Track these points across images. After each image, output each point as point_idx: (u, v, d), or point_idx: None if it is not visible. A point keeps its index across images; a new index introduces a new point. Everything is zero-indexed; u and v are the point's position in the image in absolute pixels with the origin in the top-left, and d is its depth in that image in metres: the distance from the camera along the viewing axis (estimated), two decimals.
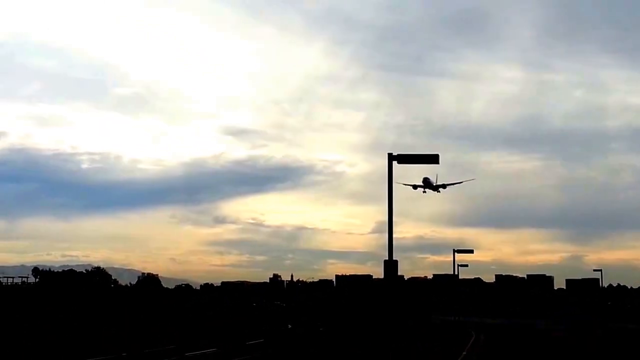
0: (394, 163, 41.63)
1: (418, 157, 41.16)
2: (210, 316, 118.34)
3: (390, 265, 41.45)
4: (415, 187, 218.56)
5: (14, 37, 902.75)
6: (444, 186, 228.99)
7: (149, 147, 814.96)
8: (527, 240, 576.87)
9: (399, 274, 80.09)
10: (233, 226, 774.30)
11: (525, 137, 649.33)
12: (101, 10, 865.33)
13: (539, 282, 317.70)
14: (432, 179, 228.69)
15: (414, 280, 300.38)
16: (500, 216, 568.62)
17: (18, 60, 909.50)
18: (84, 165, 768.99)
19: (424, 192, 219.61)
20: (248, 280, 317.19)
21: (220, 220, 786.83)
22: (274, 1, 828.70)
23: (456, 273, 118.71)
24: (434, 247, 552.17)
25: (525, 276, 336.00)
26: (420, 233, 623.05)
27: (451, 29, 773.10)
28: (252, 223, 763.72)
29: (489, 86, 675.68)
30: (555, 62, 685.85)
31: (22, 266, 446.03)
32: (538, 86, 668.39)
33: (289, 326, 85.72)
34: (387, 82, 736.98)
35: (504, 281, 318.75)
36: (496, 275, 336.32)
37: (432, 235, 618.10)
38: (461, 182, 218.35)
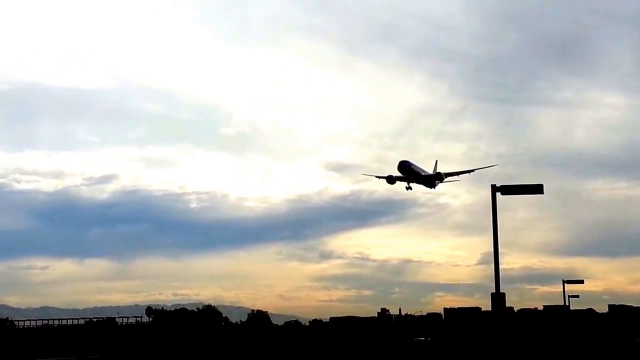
0: (498, 194, 41.70)
1: (521, 188, 41.14)
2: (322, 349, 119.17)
3: (498, 298, 41.29)
4: (391, 180, 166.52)
5: (123, 83, 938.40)
6: (439, 177, 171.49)
7: (254, 185, 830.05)
8: (639, 268, 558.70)
9: (508, 305, 79.19)
10: (339, 261, 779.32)
11: (631, 163, 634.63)
12: (204, 53, 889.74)
13: None
14: (421, 167, 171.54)
15: (523, 312, 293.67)
16: (610, 244, 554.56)
17: (127, 105, 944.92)
18: (193, 205, 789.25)
19: (408, 188, 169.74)
20: (356, 315, 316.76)
21: (326, 256, 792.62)
22: (371, 38, 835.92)
23: (567, 304, 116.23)
24: (543, 277, 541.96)
25: None
26: (528, 263, 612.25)
27: (550, 57, 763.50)
28: (357, 257, 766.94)
29: (591, 113, 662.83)
30: None
31: (136, 306, 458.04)
32: None
33: None
34: (488, 113, 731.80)
35: (618, 311, 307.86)
36: (609, 306, 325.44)
37: (539, 265, 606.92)
38: (472, 170, 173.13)
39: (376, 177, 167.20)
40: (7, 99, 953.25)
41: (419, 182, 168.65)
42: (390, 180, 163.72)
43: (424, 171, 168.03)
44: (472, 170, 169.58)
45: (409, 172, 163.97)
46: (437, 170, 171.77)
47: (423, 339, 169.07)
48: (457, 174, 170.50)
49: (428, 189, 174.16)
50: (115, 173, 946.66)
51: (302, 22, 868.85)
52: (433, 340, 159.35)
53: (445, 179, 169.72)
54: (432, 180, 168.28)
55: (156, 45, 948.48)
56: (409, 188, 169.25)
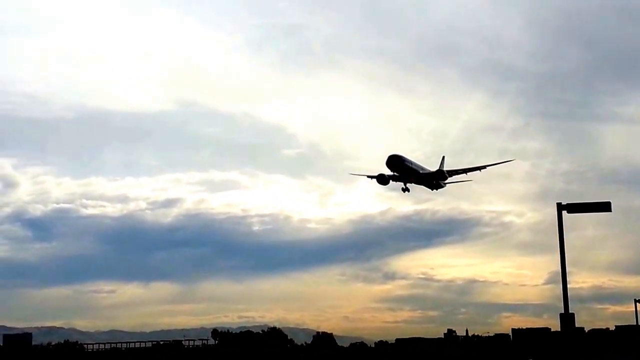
0: (564, 212, 40.66)
1: (588, 206, 40.06)
2: None
3: (567, 318, 40.22)
4: (383, 180, 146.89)
5: (185, 107, 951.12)
6: (441, 175, 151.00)
7: (317, 207, 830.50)
8: None
9: (578, 326, 77.30)
10: (403, 282, 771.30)
11: None
12: (265, 75, 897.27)
13: None
14: (419, 164, 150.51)
15: (595, 332, 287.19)
16: None
17: (189, 129, 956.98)
18: (255, 227, 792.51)
19: (405, 190, 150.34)
20: (422, 336, 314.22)
21: (390, 277, 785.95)
22: (430, 57, 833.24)
23: None
24: (613, 296, 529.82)
25: None
26: (598, 282, 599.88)
27: (613, 72, 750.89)
28: (422, 278, 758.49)
29: None
30: None
31: (202, 328, 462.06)
32: None
33: None
34: (551, 130, 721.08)
35: None
36: None
37: (610, 284, 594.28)
38: (484, 167, 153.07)
39: (367, 176, 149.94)
40: (72, 125, 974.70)
41: (418, 182, 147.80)
42: (382, 180, 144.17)
43: (422, 168, 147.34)
44: (484, 167, 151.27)
45: (402, 170, 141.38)
46: (443, 168, 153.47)
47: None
48: (465, 171, 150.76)
49: (430, 190, 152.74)
50: (179, 197, 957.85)
51: (361, 44, 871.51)
52: None
53: (451, 178, 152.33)
54: (432, 179, 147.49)
55: (217, 69, 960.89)
56: (405, 189, 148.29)
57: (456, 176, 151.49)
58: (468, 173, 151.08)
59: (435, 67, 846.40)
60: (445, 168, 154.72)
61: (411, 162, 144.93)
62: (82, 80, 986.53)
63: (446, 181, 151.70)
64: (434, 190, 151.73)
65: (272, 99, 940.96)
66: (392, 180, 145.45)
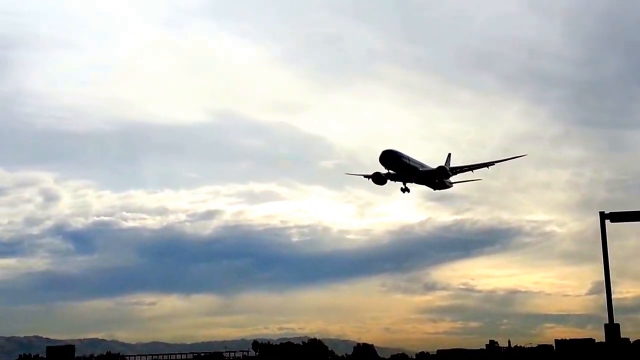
0: (607, 221, 39.97)
1: (632, 215, 39.30)
2: None
3: (612, 329, 39.52)
4: (379, 179, 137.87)
5: (223, 118, 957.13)
6: (443, 173, 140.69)
7: (355, 217, 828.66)
8: None
9: (623, 336, 76.09)
10: (444, 292, 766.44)
11: None
12: (301, 86, 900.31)
13: None
14: (418, 160, 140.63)
15: None
16: None
17: (228, 141, 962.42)
18: (294, 239, 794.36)
19: (405, 190, 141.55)
20: (463, 347, 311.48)
21: (430, 287, 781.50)
22: (468, 66, 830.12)
23: None
24: None
25: None
26: None
27: None
28: (463, 289, 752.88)
29: None
30: None
31: (243, 340, 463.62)
32: None
33: None
34: (591, 138, 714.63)
35: None
36: None
37: None
38: (492, 164, 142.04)
39: (364, 176, 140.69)
40: (112, 139, 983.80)
41: (419, 182, 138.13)
42: (379, 179, 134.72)
43: (422, 165, 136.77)
44: (492, 163, 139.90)
45: (399, 167, 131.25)
46: (448, 166, 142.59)
47: None
48: (471, 168, 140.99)
49: (433, 191, 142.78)
50: (218, 209, 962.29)
51: (399, 53, 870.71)
52: None
53: (457, 177, 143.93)
54: (434, 177, 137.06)
55: (255, 80, 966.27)
56: (405, 190, 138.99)
57: (463, 175, 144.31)
58: (474, 170, 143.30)
59: (475, 75, 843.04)
60: (450, 166, 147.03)
61: (409, 159, 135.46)
62: (122, 94, 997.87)
63: (451, 180, 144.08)
64: (437, 190, 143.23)
65: (310, 110, 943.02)
66: (390, 180, 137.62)
